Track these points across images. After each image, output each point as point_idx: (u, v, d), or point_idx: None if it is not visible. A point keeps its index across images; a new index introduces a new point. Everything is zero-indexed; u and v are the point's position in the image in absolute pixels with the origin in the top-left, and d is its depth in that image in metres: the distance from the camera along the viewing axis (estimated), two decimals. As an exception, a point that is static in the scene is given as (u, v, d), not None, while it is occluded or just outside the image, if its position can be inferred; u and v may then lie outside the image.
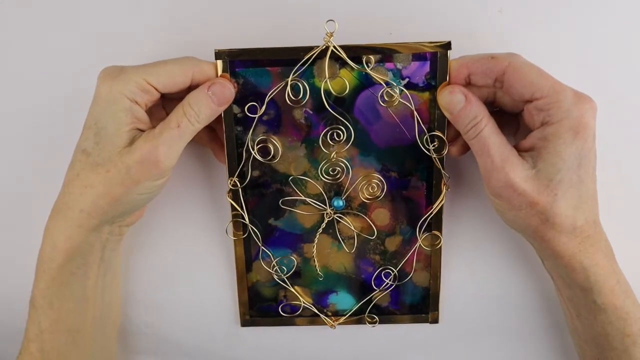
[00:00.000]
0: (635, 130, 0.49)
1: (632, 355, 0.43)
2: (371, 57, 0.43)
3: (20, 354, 0.44)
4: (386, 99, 0.44)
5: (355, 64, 0.43)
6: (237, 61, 0.43)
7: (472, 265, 0.52)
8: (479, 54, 0.42)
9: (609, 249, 0.43)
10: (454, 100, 0.42)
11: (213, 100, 0.41)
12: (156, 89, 0.40)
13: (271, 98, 0.44)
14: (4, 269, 0.54)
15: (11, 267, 0.54)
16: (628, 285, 0.43)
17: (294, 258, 0.50)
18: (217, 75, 0.43)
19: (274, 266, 0.50)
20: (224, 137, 0.45)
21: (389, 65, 0.44)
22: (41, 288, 0.42)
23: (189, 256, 0.53)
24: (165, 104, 0.45)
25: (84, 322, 0.45)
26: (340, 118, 0.45)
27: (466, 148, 0.44)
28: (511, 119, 0.45)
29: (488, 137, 0.40)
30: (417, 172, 0.47)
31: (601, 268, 0.41)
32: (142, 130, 0.41)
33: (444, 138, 0.45)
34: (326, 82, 0.44)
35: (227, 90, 0.42)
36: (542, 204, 0.39)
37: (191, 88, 0.42)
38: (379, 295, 0.51)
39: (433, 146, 0.45)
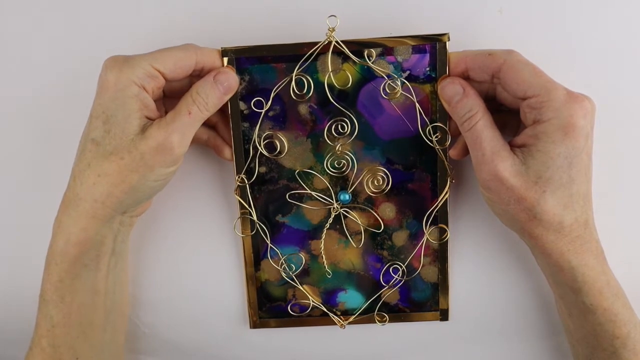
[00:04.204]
0: (635, 130, 0.49)
1: (622, 357, 0.42)
2: (372, 50, 0.44)
3: (30, 349, 0.44)
4: (388, 91, 0.45)
5: (357, 58, 0.44)
6: (242, 58, 0.45)
7: (481, 259, 0.52)
8: (478, 49, 0.43)
9: (599, 250, 0.43)
10: (452, 91, 0.43)
11: (219, 88, 0.43)
12: (162, 75, 0.41)
13: (276, 94, 0.46)
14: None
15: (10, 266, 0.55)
16: (619, 287, 0.43)
17: (302, 256, 0.50)
18: (221, 63, 0.44)
19: (282, 264, 0.50)
20: (230, 134, 0.47)
21: (390, 58, 0.45)
22: (53, 282, 0.43)
23: (195, 255, 0.53)
24: (166, 102, 0.46)
25: (95, 314, 0.45)
26: (345, 111, 0.46)
27: (466, 151, 0.45)
28: (513, 117, 0.45)
29: (481, 130, 0.41)
30: (421, 164, 0.47)
31: (590, 269, 0.41)
32: (150, 118, 0.42)
33: (447, 129, 0.46)
34: (329, 76, 0.45)
35: (232, 78, 0.44)
36: (529, 200, 0.40)
37: (194, 73, 0.44)
38: (388, 293, 0.50)
39: (436, 137, 0.46)
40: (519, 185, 0.40)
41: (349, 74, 0.45)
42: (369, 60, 0.44)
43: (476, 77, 0.43)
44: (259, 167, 0.48)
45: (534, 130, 0.40)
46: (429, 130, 0.46)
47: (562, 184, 0.40)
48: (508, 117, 0.45)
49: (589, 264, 0.41)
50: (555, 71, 0.47)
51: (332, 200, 0.48)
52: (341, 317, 0.51)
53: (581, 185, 0.40)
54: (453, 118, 0.44)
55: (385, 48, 0.44)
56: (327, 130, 0.46)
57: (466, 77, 0.44)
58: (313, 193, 0.48)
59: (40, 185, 0.52)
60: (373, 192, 0.48)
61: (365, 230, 0.49)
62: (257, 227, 0.49)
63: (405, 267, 0.50)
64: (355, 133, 0.46)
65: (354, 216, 0.48)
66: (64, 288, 0.43)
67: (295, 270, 0.50)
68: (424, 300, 0.51)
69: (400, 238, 0.49)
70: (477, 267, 0.52)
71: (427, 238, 0.49)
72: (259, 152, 0.47)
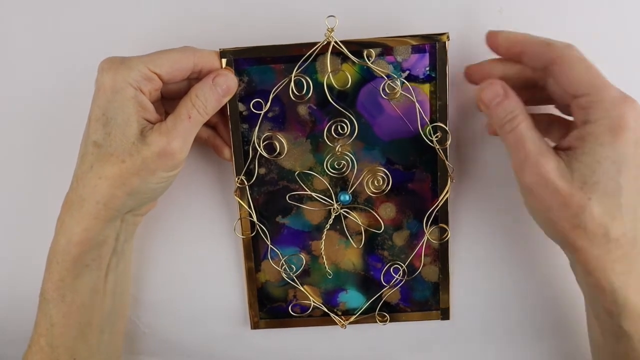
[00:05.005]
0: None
1: None
2: (372, 50, 0.44)
3: (29, 347, 0.44)
4: (388, 91, 0.45)
5: (357, 58, 0.44)
6: (241, 59, 0.45)
7: (481, 259, 0.52)
8: (537, 36, 0.41)
9: None
10: (492, 93, 0.41)
11: (218, 90, 0.43)
12: (159, 77, 0.41)
13: (275, 95, 0.45)
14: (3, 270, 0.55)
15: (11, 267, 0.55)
16: None
17: (303, 256, 0.50)
18: (220, 65, 0.44)
19: (282, 265, 0.50)
20: (229, 134, 0.46)
21: (389, 58, 0.45)
22: (54, 281, 0.43)
23: (195, 256, 0.53)
24: (165, 104, 0.46)
25: (94, 315, 0.45)
26: (344, 112, 0.46)
27: None
28: (542, 121, 0.44)
29: (524, 132, 0.39)
30: (422, 164, 0.47)
31: (634, 292, 0.38)
32: (149, 121, 0.42)
33: (447, 129, 0.45)
34: (329, 77, 0.45)
35: (231, 79, 0.44)
36: (574, 206, 0.37)
37: (192, 75, 0.43)
38: (388, 292, 0.50)
39: (436, 137, 0.46)
40: (563, 188, 0.37)
41: (348, 74, 0.45)
42: (369, 60, 0.44)
43: (529, 63, 0.41)
44: (258, 168, 0.47)
45: (581, 132, 0.38)
46: (429, 130, 0.46)
47: (609, 191, 0.37)
48: (552, 120, 0.44)
49: (633, 285, 0.38)
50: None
51: (332, 200, 0.48)
52: (342, 317, 0.51)
53: (630, 196, 0.37)
54: (491, 120, 0.42)
55: (384, 48, 0.44)
56: (327, 131, 0.46)
57: (517, 59, 0.42)
58: (313, 194, 0.48)
59: (40, 185, 0.52)
60: (373, 193, 0.48)
61: (366, 230, 0.49)
62: (257, 228, 0.49)
63: (406, 266, 0.50)
64: (355, 133, 0.46)
65: (354, 216, 0.48)
66: (64, 287, 0.43)
67: (296, 270, 0.50)
68: (424, 299, 0.51)
69: (400, 238, 0.49)
70: (478, 266, 0.52)
71: (427, 238, 0.49)
72: (258, 153, 0.47)
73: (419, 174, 0.47)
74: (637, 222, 0.38)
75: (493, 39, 0.42)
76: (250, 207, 0.48)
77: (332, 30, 0.43)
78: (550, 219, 0.39)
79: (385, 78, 0.45)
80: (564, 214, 0.38)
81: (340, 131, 0.46)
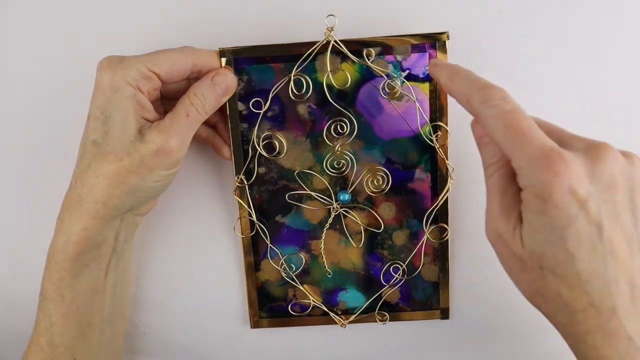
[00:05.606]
0: (635, 130, 0.49)
1: None
2: (371, 50, 0.44)
3: (29, 347, 0.44)
4: (388, 91, 0.45)
5: (356, 57, 0.44)
6: (240, 58, 0.45)
7: (481, 258, 0.51)
8: (466, 79, 0.36)
9: (631, 348, 0.32)
10: (477, 132, 0.37)
11: (216, 89, 0.43)
12: (158, 76, 0.41)
13: (275, 94, 0.45)
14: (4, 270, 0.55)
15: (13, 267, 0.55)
16: None
17: (302, 255, 0.50)
18: (219, 64, 0.44)
19: (282, 264, 0.50)
20: (229, 134, 0.46)
21: (389, 57, 0.45)
22: (53, 280, 0.43)
23: (195, 256, 0.53)
24: (165, 103, 0.46)
25: (94, 315, 0.45)
26: (344, 111, 0.46)
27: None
28: None
29: (495, 182, 0.36)
30: (421, 164, 0.47)
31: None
32: (148, 119, 0.42)
33: (447, 128, 0.45)
34: (328, 76, 0.45)
35: (230, 79, 0.44)
36: (528, 275, 0.34)
37: (192, 75, 0.43)
38: (388, 292, 0.50)
39: (436, 136, 0.46)
40: (520, 253, 0.34)
41: (348, 73, 0.45)
42: (368, 59, 0.44)
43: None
44: (258, 167, 0.47)
45: (521, 196, 0.34)
46: (428, 129, 0.46)
47: (559, 260, 0.32)
48: None
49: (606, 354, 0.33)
50: (556, 72, 0.47)
51: (332, 200, 0.48)
52: (342, 316, 0.51)
53: (591, 262, 0.32)
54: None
55: (384, 47, 0.44)
56: (327, 130, 0.46)
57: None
58: (313, 193, 0.48)
59: (40, 185, 0.52)
60: (373, 192, 0.48)
61: (365, 229, 0.49)
62: (257, 228, 0.49)
63: (406, 266, 0.50)
64: (355, 133, 0.46)
65: (354, 216, 0.48)
66: (63, 287, 0.43)
67: (296, 270, 0.50)
68: (424, 299, 0.51)
69: (400, 237, 0.49)
70: (478, 265, 0.52)
71: (427, 237, 0.49)
72: (258, 152, 0.47)
73: (419, 173, 0.47)
74: (612, 290, 0.32)
75: (433, 72, 0.39)
76: (249, 207, 0.48)
77: (332, 29, 0.43)
78: (514, 280, 0.36)
79: (385, 77, 0.45)
80: (523, 277, 0.35)
81: (340, 130, 0.46)
